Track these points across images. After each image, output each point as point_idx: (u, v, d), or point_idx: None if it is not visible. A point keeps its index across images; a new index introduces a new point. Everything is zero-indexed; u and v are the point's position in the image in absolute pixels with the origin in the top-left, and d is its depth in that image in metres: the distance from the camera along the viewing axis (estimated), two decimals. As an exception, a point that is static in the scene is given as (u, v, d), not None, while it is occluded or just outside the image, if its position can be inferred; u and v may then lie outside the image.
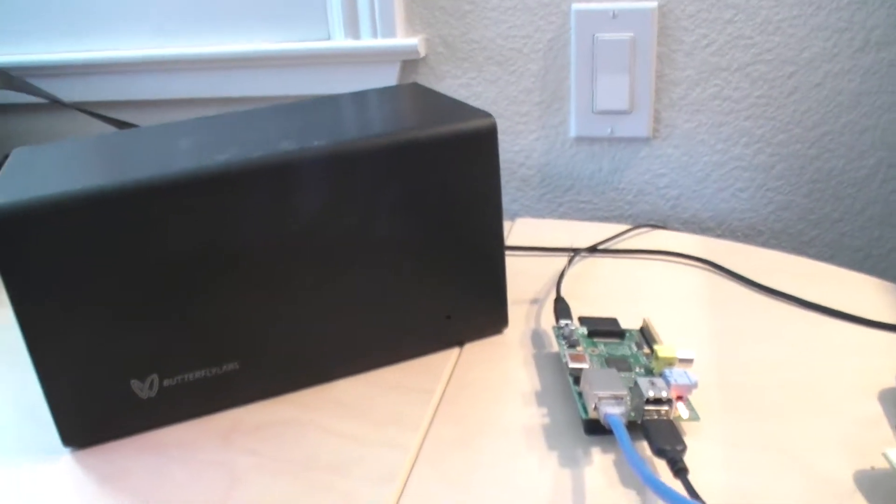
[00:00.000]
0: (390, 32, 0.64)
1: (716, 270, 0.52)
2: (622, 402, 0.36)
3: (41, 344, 0.37)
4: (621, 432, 0.33)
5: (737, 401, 0.39)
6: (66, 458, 0.39)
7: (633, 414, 0.36)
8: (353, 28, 0.65)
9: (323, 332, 0.41)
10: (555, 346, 0.45)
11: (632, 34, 0.61)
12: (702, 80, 0.62)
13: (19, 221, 0.34)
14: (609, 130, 0.65)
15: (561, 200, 0.69)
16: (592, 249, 0.55)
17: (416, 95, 0.47)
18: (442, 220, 0.42)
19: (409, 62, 0.67)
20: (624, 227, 0.59)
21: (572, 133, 0.66)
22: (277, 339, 0.41)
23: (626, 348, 0.42)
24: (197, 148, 0.39)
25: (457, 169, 0.41)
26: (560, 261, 0.55)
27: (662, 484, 0.28)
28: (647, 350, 0.42)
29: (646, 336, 0.43)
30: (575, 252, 0.53)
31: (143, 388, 0.39)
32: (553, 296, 0.50)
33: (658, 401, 0.36)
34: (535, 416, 0.39)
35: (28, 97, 0.76)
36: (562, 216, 0.70)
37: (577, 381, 0.39)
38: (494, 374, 0.43)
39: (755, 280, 0.50)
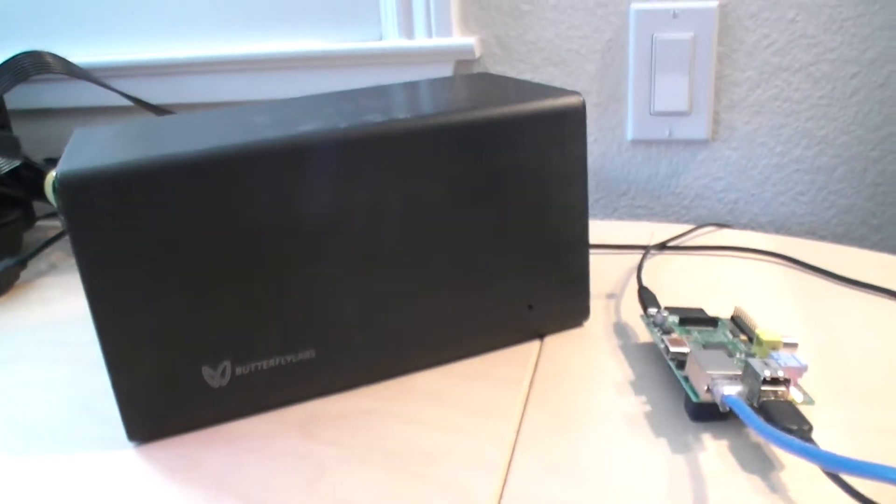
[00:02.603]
0: (446, 32, 0.64)
1: (791, 264, 0.51)
2: (737, 381, 0.34)
3: (110, 322, 0.34)
4: (745, 410, 0.31)
5: (846, 387, 0.37)
6: (130, 453, 0.36)
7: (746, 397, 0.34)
8: (407, 28, 0.64)
9: (402, 320, 0.40)
10: (641, 337, 0.43)
11: (692, 34, 0.60)
12: (762, 81, 0.61)
13: (89, 188, 0.32)
14: (667, 132, 0.64)
15: (616, 205, 0.68)
16: (662, 246, 0.54)
17: (492, 80, 0.46)
18: (527, 202, 0.40)
19: (463, 63, 0.66)
20: (687, 226, 0.57)
21: (629, 136, 0.65)
22: (355, 327, 0.39)
23: (721, 335, 0.40)
24: (276, 123, 0.38)
25: (545, 148, 0.40)
26: (628, 258, 0.53)
27: (820, 450, 0.26)
28: (743, 337, 0.40)
29: (738, 324, 0.41)
30: (647, 248, 0.52)
31: (215, 376, 0.37)
32: (631, 289, 0.49)
33: (775, 381, 0.34)
34: (634, 405, 0.37)
35: (68, 101, 0.75)
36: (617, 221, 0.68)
37: (680, 365, 0.37)
38: (583, 365, 0.41)
39: (834, 272, 0.48)
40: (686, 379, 0.36)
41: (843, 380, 0.38)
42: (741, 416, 0.31)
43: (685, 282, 0.49)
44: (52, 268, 0.61)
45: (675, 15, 0.60)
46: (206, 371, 0.37)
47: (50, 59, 0.50)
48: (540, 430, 0.36)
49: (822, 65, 0.60)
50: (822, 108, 0.61)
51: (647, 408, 0.37)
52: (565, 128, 0.40)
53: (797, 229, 0.65)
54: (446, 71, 0.65)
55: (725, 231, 0.57)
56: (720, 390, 0.33)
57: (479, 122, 0.38)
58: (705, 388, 0.34)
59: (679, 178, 0.65)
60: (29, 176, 0.67)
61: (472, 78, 0.48)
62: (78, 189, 0.32)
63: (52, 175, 0.61)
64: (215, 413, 0.38)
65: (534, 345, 0.43)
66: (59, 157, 0.73)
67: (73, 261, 0.62)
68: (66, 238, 0.68)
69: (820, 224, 0.64)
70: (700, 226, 0.57)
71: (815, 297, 0.46)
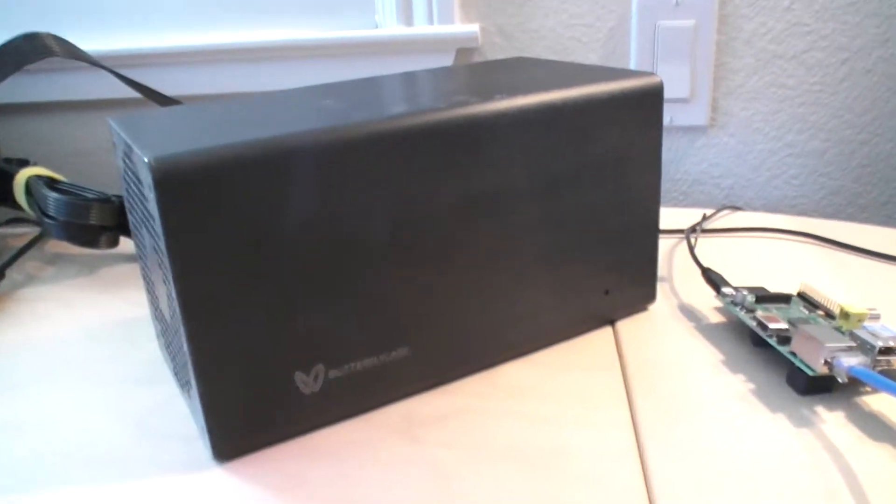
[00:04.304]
0: (447, 19, 0.62)
1: (819, 242, 0.52)
2: (855, 353, 0.34)
3: (202, 328, 0.31)
4: (879, 379, 0.31)
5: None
6: (219, 472, 0.33)
7: (862, 367, 0.35)
8: (406, 14, 0.62)
9: (489, 312, 0.38)
10: (709, 317, 0.43)
11: (694, 21, 0.61)
12: (759, 68, 0.63)
13: (190, 174, 0.29)
14: (668, 119, 0.64)
15: (618, 193, 0.68)
16: (693, 230, 0.54)
17: (547, 64, 0.45)
18: (608, 185, 0.39)
19: (464, 51, 0.64)
20: (692, 210, 0.58)
21: (630, 123, 0.65)
22: (446, 321, 0.37)
23: (797, 311, 0.41)
24: (349, 107, 0.35)
25: (628, 129, 0.39)
26: (662, 243, 0.54)
27: None
28: (820, 312, 0.40)
29: (807, 300, 0.42)
30: (688, 231, 0.52)
31: (308, 382, 0.34)
32: (680, 270, 0.49)
33: (888, 350, 0.34)
34: (735, 383, 0.37)
35: (25, 96, 0.68)
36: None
37: (781, 341, 0.37)
38: (667, 348, 0.40)
39: (860, 246, 0.50)
40: (794, 354, 0.36)
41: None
42: (876, 385, 0.31)
43: (725, 263, 0.50)
44: (31, 279, 0.55)
45: (677, 3, 0.61)
46: (299, 377, 0.34)
47: (51, 43, 0.44)
48: (656, 415, 0.35)
49: (815, 52, 0.62)
50: (814, 93, 0.63)
51: (751, 385, 0.37)
52: (646, 109, 0.39)
53: (790, 212, 0.67)
54: (447, 60, 0.63)
55: (743, 213, 0.58)
56: (842, 363, 0.34)
57: (572, 101, 0.37)
58: (822, 361, 0.34)
59: (679, 164, 0.66)
60: (-13, 179, 0.60)
61: (522, 62, 0.46)
62: (178, 175, 0.28)
63: (23, 174, 0.55)
64: (306, 422, 0.35)
65: (607, 331, 0.42)
66: (22, 157, 0.66)
67: (51, 270, 0.57)
68: (40, 246, 0.62)
69: (810, 206, 0.67)
70: (719, 209, 0.58)
71: (849, 271, 0.48)
